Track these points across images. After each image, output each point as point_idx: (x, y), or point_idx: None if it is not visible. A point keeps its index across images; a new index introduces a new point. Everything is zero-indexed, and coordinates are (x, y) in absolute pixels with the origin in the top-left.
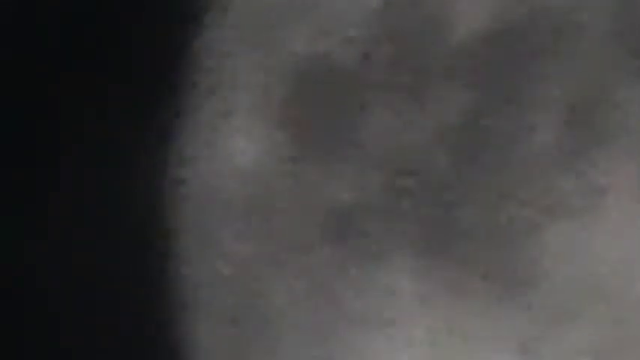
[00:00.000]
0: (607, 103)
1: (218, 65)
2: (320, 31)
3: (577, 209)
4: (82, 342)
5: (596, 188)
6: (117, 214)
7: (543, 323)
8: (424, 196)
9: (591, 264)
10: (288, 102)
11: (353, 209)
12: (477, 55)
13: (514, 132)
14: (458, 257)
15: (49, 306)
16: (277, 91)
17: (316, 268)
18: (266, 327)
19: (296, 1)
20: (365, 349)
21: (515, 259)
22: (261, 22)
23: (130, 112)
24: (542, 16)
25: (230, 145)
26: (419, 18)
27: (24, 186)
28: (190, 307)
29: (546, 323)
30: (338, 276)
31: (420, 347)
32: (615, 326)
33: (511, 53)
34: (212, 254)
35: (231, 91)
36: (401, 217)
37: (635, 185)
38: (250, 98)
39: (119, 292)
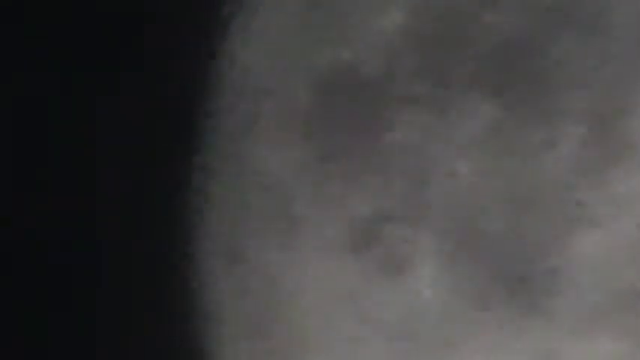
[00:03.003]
0: (633, 114)
1: (241, 75)
2: (344, 42)
3: (601, 219)
4: (106, 355)
5: (620, 198)
6: (138, 225)
7: (568, 333)
8: (448, 207)
9: (616, 273)
10: (312, 112)
11: (376, 220)
12: (502, 65)
13: (538, 142)
14: (482, 268)
15: (73, 310)
16: (301, 102)
17: (340, 278)
18: (290, 338)
19: (320, 12)
20: (389, 357)
21: (539, 269)
22: (285, 32)
23: (151, 121)
24: (566, 26)
25: (253, 155)
26: (443, 29)
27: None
28: (214, 320)
29: (571, 333)
30: (362, 286)
31: (445, 357)
32: None
33: (535, 63)
34: (236, 265)
35: (255, 102)
36: (424, 228)
37: None
38: (274, 108)
39: (142, 304)
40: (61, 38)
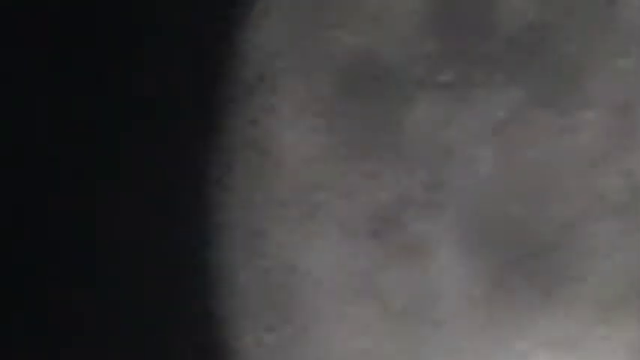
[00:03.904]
0: None
1: (261, 62)
2: (364, 29)
3: (620, 207)
4: (129, 355)
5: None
6: (159, 219)
7: (588, 320)
8: (469, 192)
9: (637, 261)
10: (333, 98)
11: (397, 206)
12: (523, 50)
13: (560, 128)
14: (502, 254)
15: (100, 317)
16: (321, 88)
17: (360, 264)
18: (310, 324)
19: (336, 3)
20: (408, 345)
21: (559, 256)
22: (306, 19)
23: (171, 111)
24: (588, 11)
25: (274, 142)
26: (464, 13)
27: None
28: (236, 307)
29: (591, 319)
30: (381, 273)
31: (463, 344)
32: None
33: (557, 49)
34: (256, 251)
35: (275, 88)
36: (445, 214)
37: None
38: (294, 95)
39: (163, 293)
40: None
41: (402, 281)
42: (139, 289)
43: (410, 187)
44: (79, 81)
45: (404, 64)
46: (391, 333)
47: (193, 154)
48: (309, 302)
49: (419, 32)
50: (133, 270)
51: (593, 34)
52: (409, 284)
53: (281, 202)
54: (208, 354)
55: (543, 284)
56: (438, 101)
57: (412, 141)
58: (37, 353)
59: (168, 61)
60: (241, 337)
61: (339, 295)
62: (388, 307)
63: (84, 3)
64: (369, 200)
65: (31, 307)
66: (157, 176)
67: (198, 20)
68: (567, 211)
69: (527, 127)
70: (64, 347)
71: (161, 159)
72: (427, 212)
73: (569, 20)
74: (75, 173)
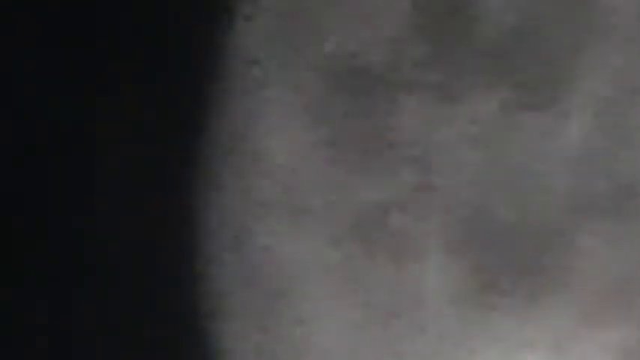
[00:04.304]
0: None
1: (249, 66)
2: (349, 32)
3: (608, 209)
4: (111, 355)
5: (628, 188)
6: (145, 214)
7: (577, 322)
8: (456, 194)
9: (623, 263)
10: (320, 102)
11: (384, 207)
12: (509, 50)
13: (547, 130)
14: (490, 257)
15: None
16: (308, 92)
17: (347, 267)
18: (296, 326)
19: (323, 3)
20: (396, 347)
21: (547, 259)
22: (291, 22)
23: (160, 114)
24: (575, 7)
25: (260, 143)
26: (448, 15)
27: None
28: (221, 308)
29: (580, 322)
30: (369, 274)
31: (452, 346)
32: None
33: (544, 47)
34: (242, 253)
35: (263, 92)
36: (432, 216)
37: None
38: (282, 99)
39: (145, 299)
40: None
41: (387, 283)
42: (123, 285)
43: (396, 189)
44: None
45: (392, 64)
46: (377, 335)
47: (181, 152)
48: (294, 303)
49: (407, 33)
50: (117, 266)
51: (580, 35)
52: (395, 286)
53: (267, 202)
54: (195, 353)
55: (530, 286)
56: (426, 102)
57: (399, 142)
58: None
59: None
60: (227, 335)
61: (325, 296)
62: (374, 309)
63: None
64: (355, 202)
65: None
66: (146, 173)
67: (186, 18)
68: (555, 213)
69: (514, 129)
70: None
71: (148, 160)
72: (414, 213)
73: (556, 20)
74: None
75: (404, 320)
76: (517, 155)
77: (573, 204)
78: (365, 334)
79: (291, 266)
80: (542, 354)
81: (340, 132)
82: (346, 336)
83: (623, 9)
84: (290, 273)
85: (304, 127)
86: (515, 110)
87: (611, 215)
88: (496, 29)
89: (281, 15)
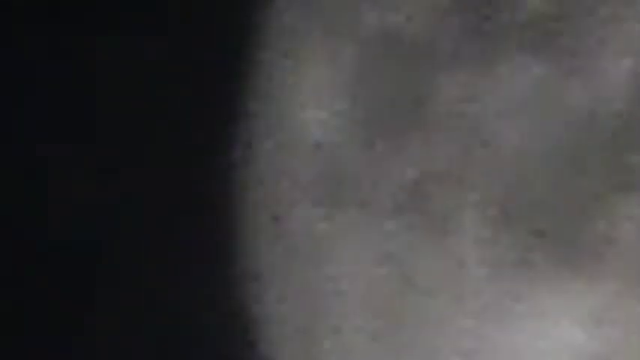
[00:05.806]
0: None
1: (287, 40)
2: (388, 5)
3: None
4: None
5: None
6: (184, 196)
7: (616, 294)
8: (494, 166)
9: None
10: (358, 75)
11: (422, 181)
12: (549, 25)
13: (586, 103)
14: (527, 228)
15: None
16: (346, 65)
17: (385, 240)
18: (334, 300)
19: None
20: (434, 320)
21: (585, 231)
22: None
23: (194, 92)
24: None
25: (298, 117)
26: None
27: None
28: (261, 281)
29: (619, 294)
30: (406, 248)
31: (488, 319)
32: None
33: (582, 23)
34: (281, 227)
35: (300, 65)
36: (470, 189)
37: None
38: (319, 72)
39: (192, 267)
40: None
41: (425, 257)
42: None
43: (435, 163)
44: None
45: (428, 40)
46: (415, 308)
47: (213, 133)
48: (333, 276)
49: (442, 10)
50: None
51: (616, 7)
52: (433, 259)
53: (304, 180)
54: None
55: (567, 259)
56: (463, 77)
57: (437, 116)
58: None
59: (188, 33)
60: (265, 307)
61: (362, 273)
62: (412, 283)
63: None
64: (393, 176)
65: None
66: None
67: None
68: (591, 186)
69: (550, 103)
70: None
71: (180, 138)
72: (451, 189)
73: None
74: None
75: (440, 291)
76: (558, 128)
77: (611, 177)
78: (403, 307)
79: (331, 240)
80: (580, 326)
81: (377, 107)
82: (385, 310)
83: None
84: (329, 246)
85: (341, 101)
86: (556, 83)
87: None
88: (538, 3)
89: None
